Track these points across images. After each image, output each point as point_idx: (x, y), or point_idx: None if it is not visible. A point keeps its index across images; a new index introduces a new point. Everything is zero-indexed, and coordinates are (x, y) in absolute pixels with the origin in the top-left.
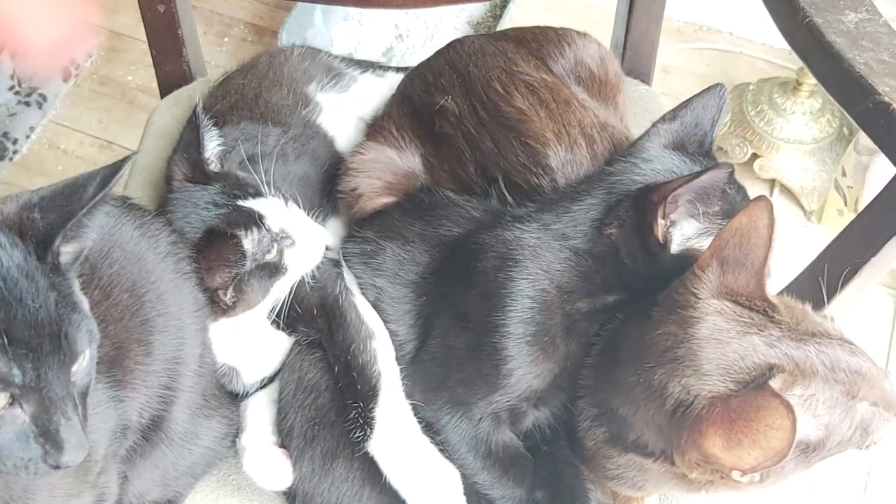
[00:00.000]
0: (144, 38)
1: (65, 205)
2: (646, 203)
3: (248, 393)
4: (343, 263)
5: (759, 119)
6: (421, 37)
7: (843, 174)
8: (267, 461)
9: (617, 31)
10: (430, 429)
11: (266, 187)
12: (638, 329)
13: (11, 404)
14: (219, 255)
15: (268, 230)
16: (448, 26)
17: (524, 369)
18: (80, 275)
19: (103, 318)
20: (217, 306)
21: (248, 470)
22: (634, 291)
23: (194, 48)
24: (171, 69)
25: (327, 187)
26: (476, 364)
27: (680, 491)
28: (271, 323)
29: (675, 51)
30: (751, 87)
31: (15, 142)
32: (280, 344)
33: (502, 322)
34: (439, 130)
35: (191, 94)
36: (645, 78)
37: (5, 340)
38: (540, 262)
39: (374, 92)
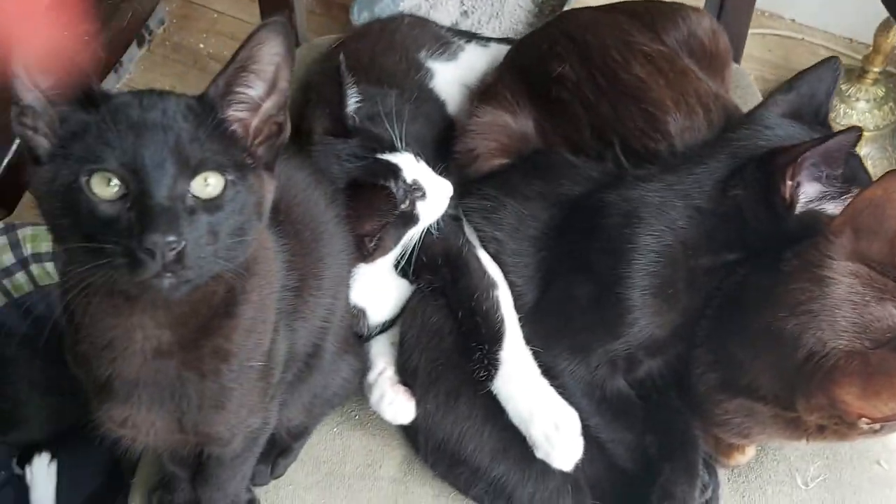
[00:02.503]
0: (215, 7)
1: None
2: (773, 165)
3: (370, 335)
4: (462, 217)
5: None
6: (486, 13)
7: None
8: (393, 397)
9: (709, 8)
10: (546, 373)
11: (399, 142)
12: (768, 282)
13: (124, 195)
14: (370, 204)
15: (403, 182)
16: (513, 3)
17: (647, 319)
18: (276, 211)
19: (293, 252)
20: (358, 252)
21: (375, 405)
22: (754, 249)
23: (301, 16)
24: None
25: (439, 148)
26: (599, 313)
27: (781, 438)
28: (398, 270)
29: None
30: None
31: None
32: (402, 289)
33: (627, 274)
34: (555, 96)
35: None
36: (735, 56)
37: (120, 127)
38: (664, 219)
39: (480, 61)
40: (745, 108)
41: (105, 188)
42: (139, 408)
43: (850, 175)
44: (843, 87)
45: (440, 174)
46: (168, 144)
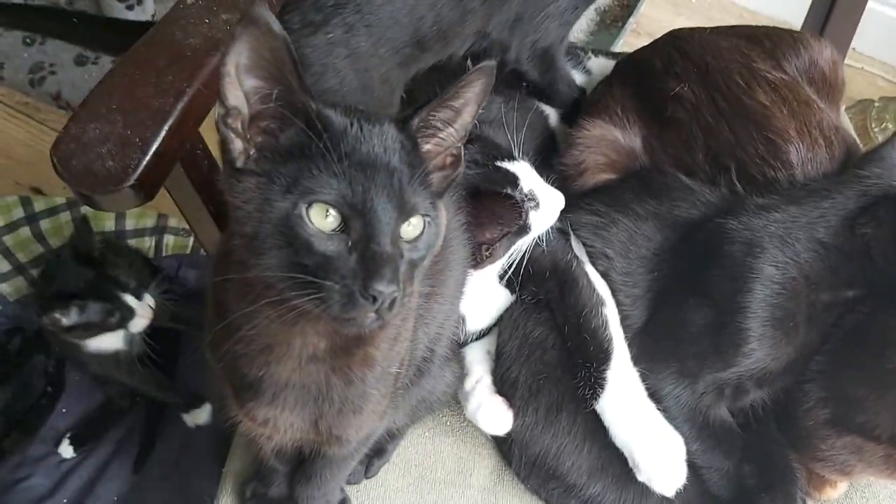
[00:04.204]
0: None
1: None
2: None
3: (466, 341)
4: (570, 232)
5: (883, 136)
6: None
7: None
8: (492, 408)
9: (813, 20)
10: (650, 396)
11: (517, 150)
12: (891, 330)
13: (342, 230)
14: (494, 212)
15: (521, 191)
16: None
17: (765, 351)
18: None
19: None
20: (472, 259)
21: (472, 414)
22: (877, 288)
23: None
24: None
25: (540, 157)
26: (713, 340)
27: (884, 476)
28: (502, 280)
29: None
30: (876, 104)
31: None
32: (502, 299)
33: (748, 304)
34: (670, 115)
35: None
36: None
37: (342, 156)
38: (788, 251)
39: (580, 77)
40: None
41: (323, 220)
42: (283, 409)
43: None
44: None
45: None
46: (393, 188)
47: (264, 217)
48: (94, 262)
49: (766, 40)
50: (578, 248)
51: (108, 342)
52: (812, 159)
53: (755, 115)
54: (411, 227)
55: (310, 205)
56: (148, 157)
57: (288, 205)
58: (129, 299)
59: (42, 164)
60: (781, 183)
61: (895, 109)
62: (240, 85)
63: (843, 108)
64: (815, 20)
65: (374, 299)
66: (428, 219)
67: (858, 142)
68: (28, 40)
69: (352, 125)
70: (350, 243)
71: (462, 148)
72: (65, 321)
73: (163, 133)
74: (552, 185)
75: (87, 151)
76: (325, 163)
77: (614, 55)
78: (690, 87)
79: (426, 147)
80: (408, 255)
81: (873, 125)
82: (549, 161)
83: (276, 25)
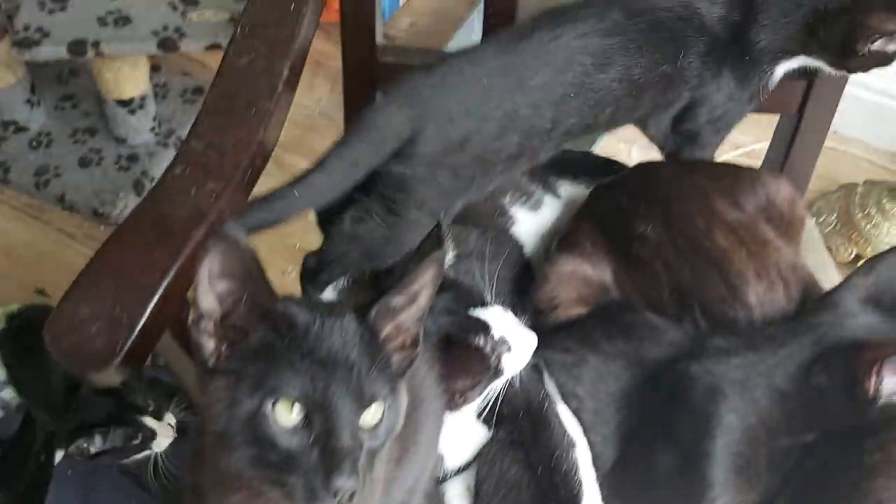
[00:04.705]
0: None
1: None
2: (858, 359)
3: (445, 478)
4: (544, 370)
5: (866, 222)
6: None
7: None
8: None
9: (774, 152)
10: None
11: (489, 294)
12: (852, 474)
13: (305, 425)
14: (464, 363)
15: (492, 338)
16: None
17: (728, 497)
18: None
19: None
20: (446, 404)
21: None
22: (833, 432)
23: None
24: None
25: (516, 287)
26: (679, 485)
27: None
28: (479, 419)
29: None
30: (859, 189)
31: (152, 180)
32: (480, 436)
33: (710, 451)
34: (636, 253)
35: None
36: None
37: (305, 353)
38: (747, 397)
39: (558, 211)
40: (807, 254)
41: (287, 416)
42: None
43: None
44: (888, 205)
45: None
46: (351, 382)
47: (233, 415)
48: (112, 392)
49: (725, 179)
50: (551, 387)
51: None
52: (770, 300)
53: (715, 258)
54: (370, 415)
55: (275, 402)
56: (134, 336)
57: (255, 403)
58: (150, 421)
59: (45, 265)
60: (741, 322)
61: (878, 194)
62: (212, 289)
63: (801, 239)
64: (775, 154)
65: (335, 493)
66: (388, 402)
67: (814, 277)
68: (34, 143)
69: (314, 322)
70: (312, 438)
71: (421, 328)
72: (91, 448)
73: (148, 311)
74: (528, 317)
75: (77, 331)
76: (289, 361)
77: (588, 181)
78: (654, 227)
79: (386, 330)
80: (367, 444)
81: (857, 211)
82: (525, 290)
83: (244, 241)
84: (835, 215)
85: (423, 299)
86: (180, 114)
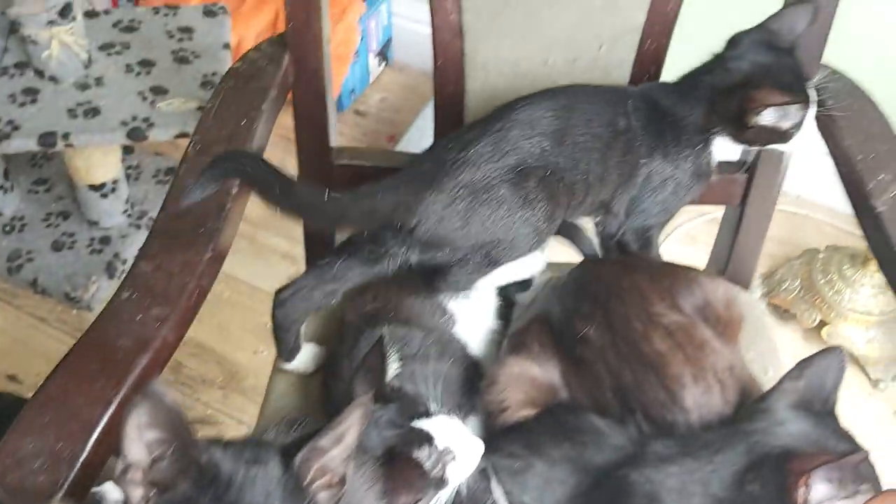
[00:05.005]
0: None
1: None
2: (787, 469)
3: None
4: (492, 476)
5: (829, 288)
6: None
7: None
8: None
9: (720, 243)
10: None
11: (434, 404)
12: None
13: None
14: (404, 478)
15: (436, 449)
16: None
17: None
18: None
19: None
20: None
21: None
22: None
23: None
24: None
25: (464, 387)
26: None
27: None
28: None
29: None
30: (821, 256)
31: (125, 262)
32: None
33: None
34: (580, 355)
35: None
36: (746, 284)
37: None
38: None
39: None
40: (754, 341)
41: None
42: None
43: (858, 481)
44: (849, 271)
45: (468, 414)
46: None
47: None
48: None
49: (664, 279)
50: (499, 493)
51: None
52: (707, 403)
53: (653, 362)
54: None
55: None
56: (75, 471)
57: None
58: None
59: (17, 352)
60: (680, 426)
61: (839, 261)
62: (140, 439)
63: (739, 337)
64: (722, 245)
65: None
66: None
67: (751, 377)
68: (7, 228)
69: (238, 472)
70: None
71: (349, 465)
72: None
73: (90, 445)
74: (478, 417)
75: (21, 467)
76: None
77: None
78: (596, 329)
79: (312, 472)
80: None
81: (819, 277)
82: (474, 390)
83: (168, 398)
84: (798, 281)
85: (350, 439)
86: (153, 195)
